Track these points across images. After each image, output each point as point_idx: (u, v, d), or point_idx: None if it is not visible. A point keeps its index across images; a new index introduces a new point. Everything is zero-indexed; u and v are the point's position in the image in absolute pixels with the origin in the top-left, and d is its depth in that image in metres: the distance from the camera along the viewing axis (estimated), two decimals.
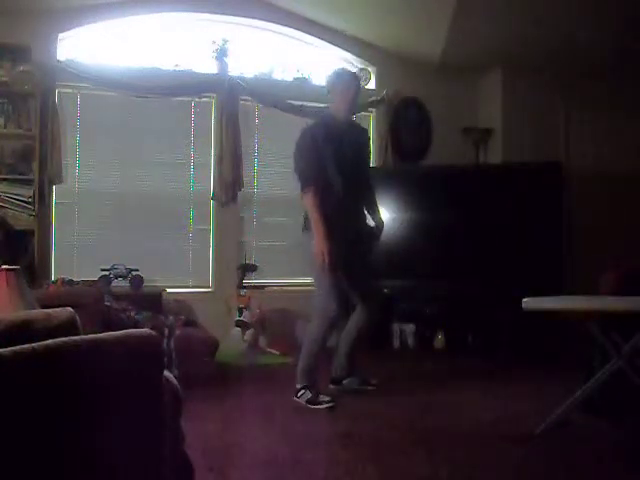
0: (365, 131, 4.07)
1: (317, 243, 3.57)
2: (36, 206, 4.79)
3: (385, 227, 3.99)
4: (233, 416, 3.38)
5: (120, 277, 4.87)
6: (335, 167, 3.68)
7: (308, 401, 3.56)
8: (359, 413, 3.46)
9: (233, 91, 5.39)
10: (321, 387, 3.70)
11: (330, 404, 3.54)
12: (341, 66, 4.51)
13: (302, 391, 3.61)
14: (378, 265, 5.48)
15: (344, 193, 3.69)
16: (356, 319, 3.89)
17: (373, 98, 5.88)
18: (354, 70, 4.22)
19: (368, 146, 4.04)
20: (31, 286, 3.60)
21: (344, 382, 3.93)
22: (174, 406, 1.65)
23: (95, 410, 1.35)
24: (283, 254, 5.58)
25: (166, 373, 1.59)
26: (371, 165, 4.22)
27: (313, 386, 3.64)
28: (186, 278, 5.47)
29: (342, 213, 3.68)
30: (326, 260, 3.55)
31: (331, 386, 3.90)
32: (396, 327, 5.54)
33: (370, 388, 3.92)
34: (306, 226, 3.73)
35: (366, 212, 3.95)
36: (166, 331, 3.88)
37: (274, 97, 5.49)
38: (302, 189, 3.66)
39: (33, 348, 1.28)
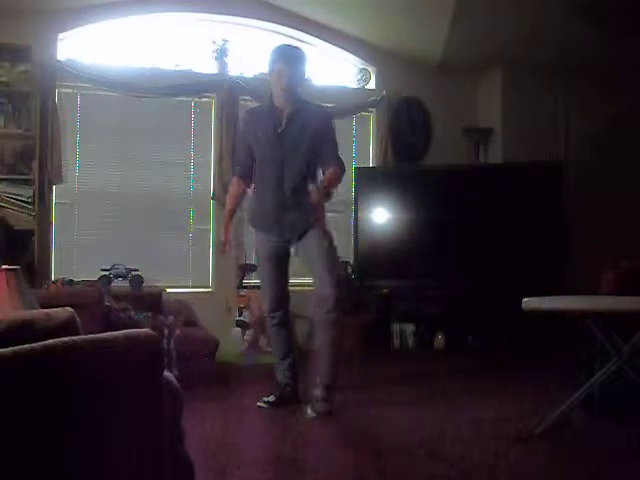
0: (319, 117, 3.47)
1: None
2: (36, 206, 4.79)
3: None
4: (233, 416, 3.38)
5: (120, 277, 4.87)
6: (261, 158, 3.48)
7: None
8: (358, 413, 3.46)
9: (233, 91, 5.39)
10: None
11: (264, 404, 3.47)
12: (283, 43, 3.84)
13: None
14: (378, 265, 5.52)
15: (271, 188, 3.46)
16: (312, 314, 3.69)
17: (373, 98, 5.88)
18: (298, 47, 3.62)
19: (320, 135, 3.42)
20: (31, 286, 3.61)
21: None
22: (174, 406, 1.65)
23: (95, 410, 1.35)
24: None
25: (166, 373, 1.59)
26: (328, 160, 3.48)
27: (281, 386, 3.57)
28: (186, 278, 5.47)
29: (267, 207, 3.51)
30: (224, 250, 3.65)
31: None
32: (396, 327, 5.54)
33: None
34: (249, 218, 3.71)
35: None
36: (166, 331, 3.88)
37: None
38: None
39: (33, 348, 1.28)
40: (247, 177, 3.60)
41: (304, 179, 3.43)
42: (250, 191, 3.72)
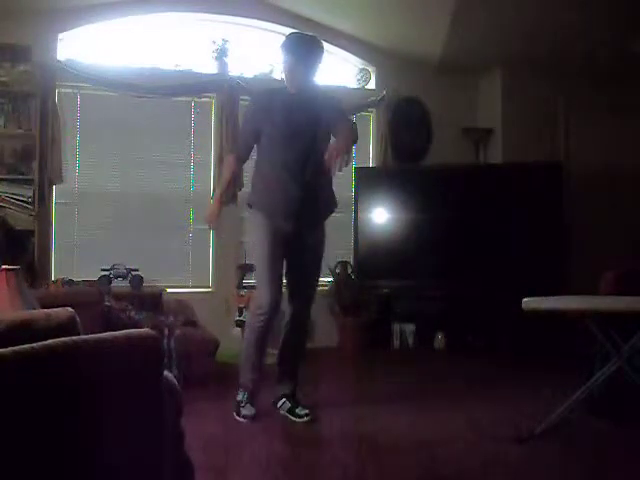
0: (329, 101, 3.37)
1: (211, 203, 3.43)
2: (36, 206, 4.79)
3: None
4: (233, 416, 3.37)
5: (120, 277, 4.87)
6: (277, 140, 3.28)
7: (236, 410, 3.31)
8: (358, 413, 3.46)
9: (233, 91, 5.39)
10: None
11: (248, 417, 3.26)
12: (296, 32, 3.55)
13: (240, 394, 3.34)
14: (378, 265, 5.52)
15: (283, 167, 3.26)
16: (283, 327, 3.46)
17: (373, 98, 5.88)
18: (311, 37, 3.34)
19: (329, 118, 3.28)
20: (31, 286, 3.61)
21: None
22: (174, 406, 1.64)
23: (95, 410, 1.35)
24: None
25: (166, 373, 1.59)
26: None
27: (250, 393, 3.34)
28: (186, 278, 5.47)
29: (279, 189, 3.27)
30: (209, 223, 3.47)
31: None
32: (396, 327, 5.54)
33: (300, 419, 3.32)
34: (249, 201, 3.44)
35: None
36: (166, 331, 3.88)
37: None
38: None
39: (33, 348, 1.28)
40: (244, 159, 3.47)
41: (321, 165, 3.16)
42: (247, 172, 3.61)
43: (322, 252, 3.42)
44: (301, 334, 3.42)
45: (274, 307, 3.25)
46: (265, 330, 3.29)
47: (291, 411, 3.31)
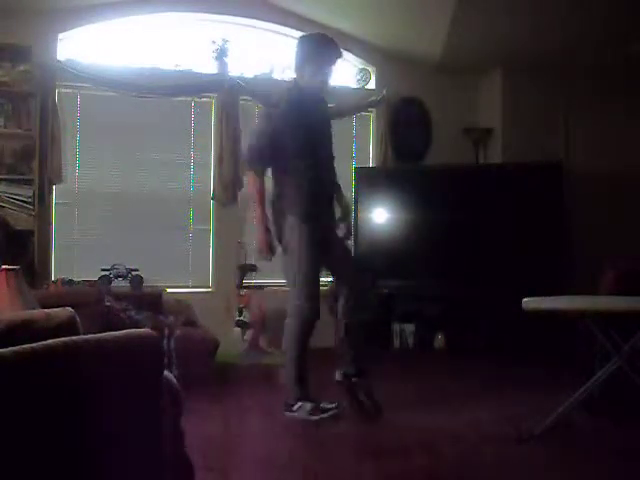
0: (327, 105, 3.69)
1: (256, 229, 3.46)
2: (36, 206, 4.79)
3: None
4: (233, 416, 3.38)
5: (120, 277, 4.87)
6: (305, 146, 3.37)
7: (310, 413, 3.25)
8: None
9: (233, 91, 5.39)
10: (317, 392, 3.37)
11: (335, 410, 3.27)
12: (310, 32, 3.72)
13: (298, 404, 3.28)
14: (379, 265, 5.52)
15: (317, 174, 3.40)
16: (342, 312, 3.50)
17: (373, 98, 5.88)
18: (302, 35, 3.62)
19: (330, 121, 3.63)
20: (31, 286, 3.61)
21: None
22: (174, 406, 1.65)
23: (95, 410, 1.35)
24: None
25: (166, 373, 1.59)
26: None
27: (307, 396, 3.30)
28: (186, 278, 5.47)
29: (315, 194, 3.40)
30: (261, 248, 3.41)
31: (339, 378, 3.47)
32: (396, 327, 5.54)
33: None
34: (276, 204, 3.47)
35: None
36: (166, 331, 3.88)
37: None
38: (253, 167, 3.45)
39: (33, 348, 1.28)
40: (264, 170, 3.43)
41: (330, 169, 3.55)
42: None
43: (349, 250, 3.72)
44: (363, 312, 3.49)
45: (315, 309, 3.36)
46: (307, 341, 3.39)
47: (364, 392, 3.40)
